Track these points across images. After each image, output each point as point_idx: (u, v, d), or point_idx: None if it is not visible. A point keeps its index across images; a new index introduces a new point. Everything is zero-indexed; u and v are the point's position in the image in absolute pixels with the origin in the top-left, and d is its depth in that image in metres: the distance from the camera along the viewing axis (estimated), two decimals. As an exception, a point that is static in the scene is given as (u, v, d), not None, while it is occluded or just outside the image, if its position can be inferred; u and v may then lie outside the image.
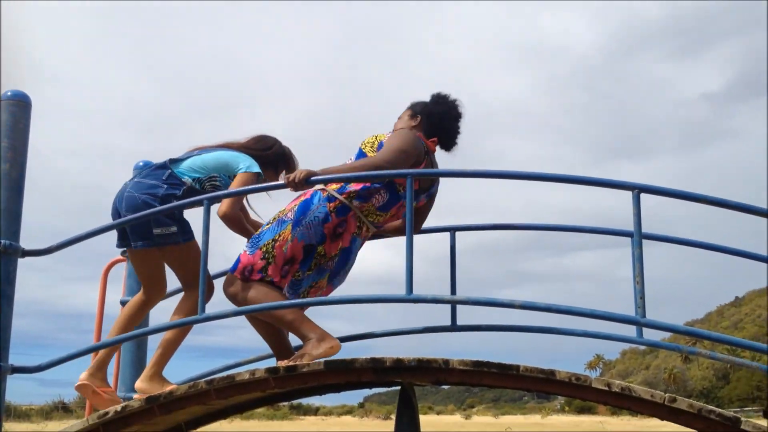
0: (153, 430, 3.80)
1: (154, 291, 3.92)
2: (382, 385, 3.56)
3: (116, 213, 3.81)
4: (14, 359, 3.62)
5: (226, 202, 3.80)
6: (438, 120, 3.99)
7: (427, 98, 4.07)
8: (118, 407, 3.41)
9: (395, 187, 3.80)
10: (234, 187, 3.77)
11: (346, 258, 3.85)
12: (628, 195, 3.31)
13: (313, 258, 3.73)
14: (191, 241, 3.76)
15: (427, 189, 3.95)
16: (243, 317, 3.76)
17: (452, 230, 4.32)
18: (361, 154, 3.83)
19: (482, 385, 3.31)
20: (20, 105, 3.46)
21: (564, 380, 3.12)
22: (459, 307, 4.12)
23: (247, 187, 3.75)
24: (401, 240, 4.14)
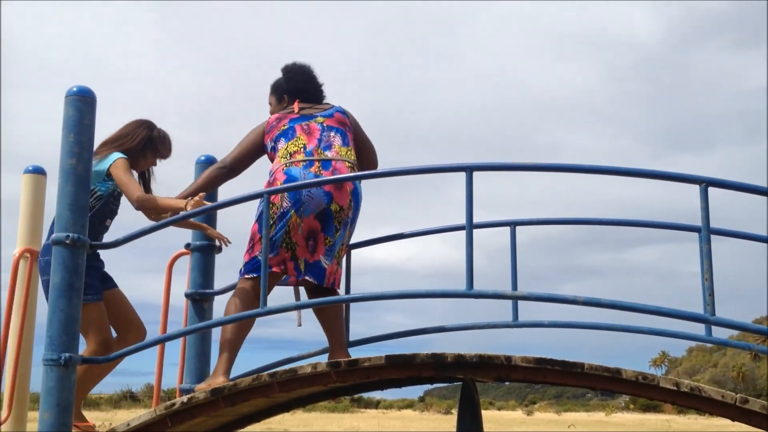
0: (218, 422, 3.86)
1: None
2: (443, 380, 3.55)
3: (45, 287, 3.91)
4: (83, 350, 3.71)
5: (131, 190, 3.96)
6: (297, 88, 4.25)
7: (284, 76, 4.31)
8: (185, 398, 3.46)
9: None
10: (119, 176, 3.97)
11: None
12: (690, 188, 3.22)
13: (266, 217, 3.71)
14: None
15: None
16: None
17: (512, 225, 4.27)
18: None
19: (545, 383, 3.27)
20: (85, 101, 3.51)
21: (630, 379, 3.06)
22: (520, 302, 4.07)
23: (304, 182, 3.76)
24: (458, 234, 4.15)
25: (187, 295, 4.40)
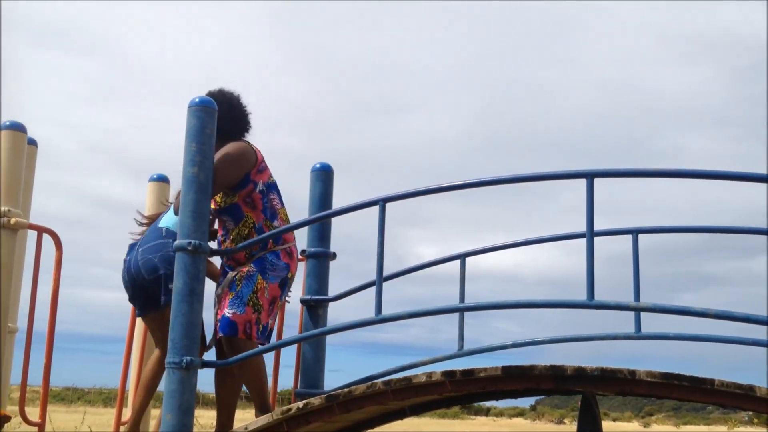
0: (332, 428, 3.88)
1: None
2: (561, 393, 3.44)
3: (133, 283, 4.11)
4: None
5: None
6: (226, 119, 4.01)
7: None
8: (301, 404, 3.49)
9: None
10: None
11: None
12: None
13: (287, 287, 4.14)
14: None
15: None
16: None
17: (635, 232, 4.11)
18: None
19: (671, 398, 3.12)
20: (206, 110, 3.60)
21: (765, 397, 2.88)
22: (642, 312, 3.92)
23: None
24: (569, 241, 4.06)
25: (302, 301, 4.45)
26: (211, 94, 4.12)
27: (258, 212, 4.02)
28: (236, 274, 3.96)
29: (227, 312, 3.89)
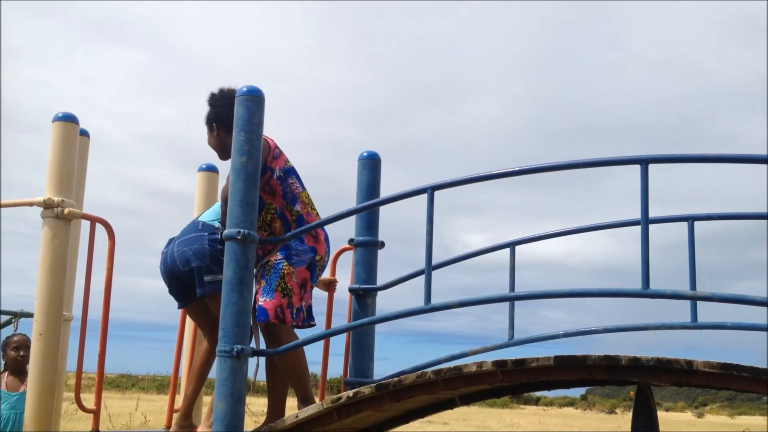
0: (382, 416, 3.87)
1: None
2: (616, 383, 3.37)
3: (169, 275, 4.18)
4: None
5: None
6: (220, 114, 4.11)
7: (208, 104, 4.21)
8: (351, 393, 3.49)
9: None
10: None
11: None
12: None
13: (316, 269, 4.09)
14: None
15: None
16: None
17: (690, 220, 4.01)
18: None
19: (730, 389, 3.04)
20: (254, 100, 3.60)
21: (829, 389, 2.78)
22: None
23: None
24: (621, 229, 4.00)
25: (351, 290, 4.45)
26: (213, 95, 4.19)
27: (278, 197, 4.02)
28: (265, 263, 3.99)
29: (260, 301, 3.92)
